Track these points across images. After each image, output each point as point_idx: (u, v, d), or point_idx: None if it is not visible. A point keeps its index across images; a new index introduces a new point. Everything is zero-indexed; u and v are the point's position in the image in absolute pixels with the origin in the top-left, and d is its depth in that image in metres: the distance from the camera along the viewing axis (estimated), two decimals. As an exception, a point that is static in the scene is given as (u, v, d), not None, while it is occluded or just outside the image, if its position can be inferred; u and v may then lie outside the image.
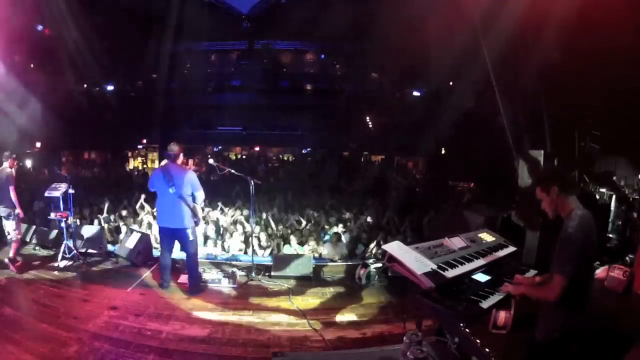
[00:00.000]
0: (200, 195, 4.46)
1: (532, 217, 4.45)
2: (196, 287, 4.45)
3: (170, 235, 4.42)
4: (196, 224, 4.55)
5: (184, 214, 4.30)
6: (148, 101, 16.13)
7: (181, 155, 4.43)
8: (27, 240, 6.17)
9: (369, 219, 8.21)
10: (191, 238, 4.40)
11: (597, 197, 5.09)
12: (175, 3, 12.56)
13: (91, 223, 7.29)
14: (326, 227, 7.83)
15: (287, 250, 6.51)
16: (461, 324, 2.01)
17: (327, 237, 7.11)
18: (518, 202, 5.34)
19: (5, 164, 5.12)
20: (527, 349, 2.31)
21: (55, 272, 4.94)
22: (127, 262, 5.41)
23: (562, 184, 2.14)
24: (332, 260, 6.31)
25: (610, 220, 5.12)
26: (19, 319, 3.64)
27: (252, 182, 5.01)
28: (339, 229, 7.45)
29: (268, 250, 6.49)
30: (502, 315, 3.42)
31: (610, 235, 4.96)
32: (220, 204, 8.45)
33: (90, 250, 5.67)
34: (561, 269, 2.00)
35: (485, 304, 2.27)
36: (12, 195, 4.98)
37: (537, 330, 2.20)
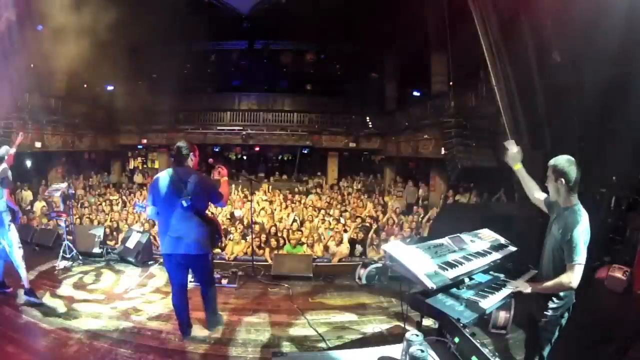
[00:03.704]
0: (223, 204, 3.49)
1: (532, 217, 4.45)
2: (216, 320, 3.63)
3: (182, 264, 3.32)
4: (217, 241, 3.57)
5: (201, 235, 3.22)
6: (148, 101, 16.10)
7: (192, 155, 3.32)
8: (28, 240, 6.18)
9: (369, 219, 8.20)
10: (210, 265, 3.46)
11: (598, 197, 5.08)
12: (175, 3, 12.55)
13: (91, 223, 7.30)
14: (326, 226, 7.83)
15: (287, 250, 6.52)
16: (461, 324, 2.01)
17: (327, 237, 7.11)
18: (518, 202, 5.35)
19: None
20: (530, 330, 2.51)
21: (55, 272, 4.94)
22: (127, 262, 5.42)
23: (570, 181, 2.25)
24: (331, 260, 6.31)
25: (610, 220, 5.12)
26: (19, 319, 3.64)
27: (252, 182, 5.02)
28: (340, 228, 7.45)
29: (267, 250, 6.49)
30: (502, 315, 3.43)
31: (610, 235, 4.96)
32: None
33: (90, 250, 5.67)
34: (579, 260, 2.18)
35: (485, 304, 2.27)
36: (7, 197, 4.01)
37: (541, 311, 2.36)
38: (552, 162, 2.31)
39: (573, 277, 2.18)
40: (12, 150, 4.28)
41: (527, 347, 2.55)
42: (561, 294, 2.29)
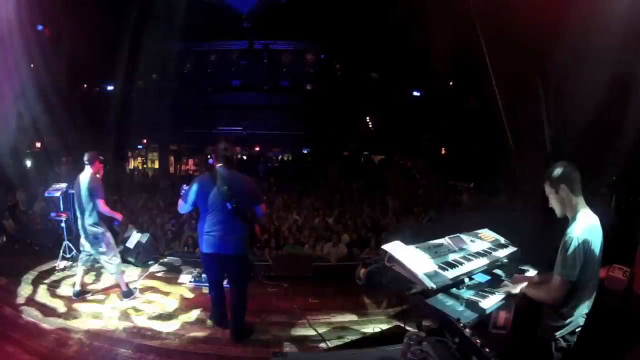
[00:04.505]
0: (263, 209, 3.50)
1: (532, 217, 4.45)
2: (245, 330, 3.53)
3: (220, 264, 3.41)
4: (257, 247, 3.78)
5: (242, 237, 3.31)
6: (148, 101, 16.12)
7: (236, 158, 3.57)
8: (28, 240, 6.19)
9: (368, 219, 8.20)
10: (246, 268, 3.50)
11: (598, 197, 5.08)
12: (174, 3, 12.57)
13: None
14: (326, 226, 7.83)
15: (287, 250, 6.52)
16: (461, 324, 2.01)
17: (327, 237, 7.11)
18: (518, 202, 5.34)
19: (88, 168, 4.14)
20: (531, 347, 2.31)
21: (55, 272, 4.94)
22: (127, 262, 5.41)
23: (572, 183, 2.07)
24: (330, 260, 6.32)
25: (610, 220, 5.11)
26: (19, 319, 3.64)
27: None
28: (340, 228, 7.46)
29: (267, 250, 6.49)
30: (502, 315, 3.42)
31: (611, 235, 4.95)
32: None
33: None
34: (561, 272, 2.00)
35: (485, 304, 2.27)
36: (102, 208, 4.07)
37: (540, 328, 2.20)
38: (547, 175, 2.13)
39: (551, 289, 2.04)
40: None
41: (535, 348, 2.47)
42: (566, 314, 2.07)
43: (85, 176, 4.09)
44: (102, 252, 4.14)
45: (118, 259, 4.28)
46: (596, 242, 2.04)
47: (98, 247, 4.14)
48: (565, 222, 2.14)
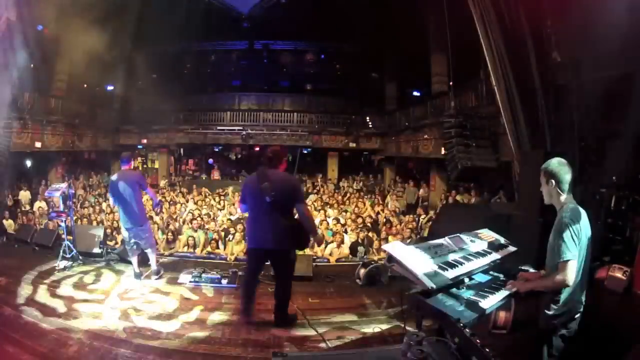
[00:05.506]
0: (303, 209, 3.59)
1: (532, 217, 4.45)
2: (286, 319, 3.71)
3: (262, 258, 3.62)
4: (305, 242, 3.69)
5: (285, 232, 3.43)
6: (148, 101, 16.15)
7: (284, 160, 3.61)
8: (28, 240, 6.18)
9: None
10: (289, 263, 3.65)
11: (598, 197, 5.08)
12: (174, 3, 12.59)
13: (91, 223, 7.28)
14: (326, 227, 7.83)
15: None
16: (461, 324, 2.01)
17: (327, 237, 7.10)
18: (518, 202, 5.34)
19: (126, 167, 4.96)
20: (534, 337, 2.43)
21: (56, 272, 4.94)
22: (127, 262, 5.41)
23: (560, 182, 2.25)
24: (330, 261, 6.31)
25: (609, 220, 5.11)
26: (19, 319, 3.63)
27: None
28: (340, 228, 7.46)
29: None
30: (502, 315, 3.43)
31: (610, 235, 4.95)
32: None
33: (90, 250, 5.67)
34: (567, 256, 2.12)
35: (485, 304, 2.27)
36: (152, 194, 5.14)
37: (540, 320, 2.31)
38: (543, 165, 2.32)
39: (565, 274, 2.13)
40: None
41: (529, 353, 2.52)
42: (561, 301, 2.21)
43: (129, 172, 4.90)
44: (145, 236, 4.81)
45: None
46: (584, 226, 2.21)
47: (143, 232, 4.78)
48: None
